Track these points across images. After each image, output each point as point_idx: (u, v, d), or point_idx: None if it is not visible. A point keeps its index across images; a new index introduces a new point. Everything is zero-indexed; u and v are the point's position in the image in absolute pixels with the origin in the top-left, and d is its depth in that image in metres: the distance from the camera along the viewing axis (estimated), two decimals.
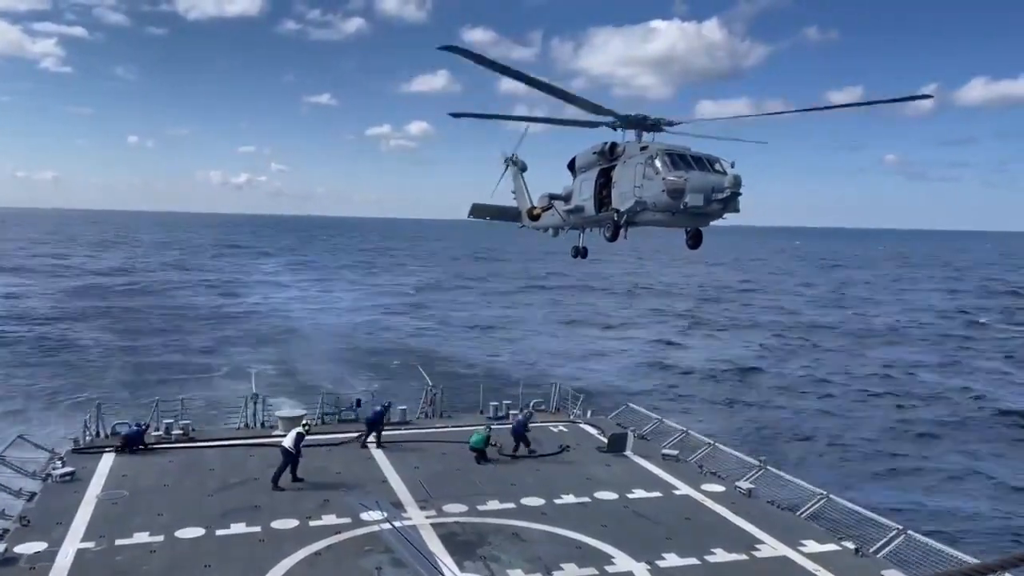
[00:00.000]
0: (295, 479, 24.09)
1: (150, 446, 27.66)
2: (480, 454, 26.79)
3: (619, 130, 21.63)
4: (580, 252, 25.70)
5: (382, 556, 18.90)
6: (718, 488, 24.56)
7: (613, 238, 21.76)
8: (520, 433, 27.81)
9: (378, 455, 27.36)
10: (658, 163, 19.39)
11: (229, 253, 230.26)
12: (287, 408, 34.12)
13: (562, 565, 18.63)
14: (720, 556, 19.45)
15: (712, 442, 27.98)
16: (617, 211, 20.92)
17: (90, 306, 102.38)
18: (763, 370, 73.18)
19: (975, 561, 18.26)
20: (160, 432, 28.92)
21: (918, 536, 19.95)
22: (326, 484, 24.11)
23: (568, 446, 28.63)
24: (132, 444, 27.14)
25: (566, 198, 24.21)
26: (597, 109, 20.65)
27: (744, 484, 24.52)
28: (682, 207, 18.91)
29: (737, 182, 18.53)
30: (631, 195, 20.14)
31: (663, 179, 19.07)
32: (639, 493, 24.00)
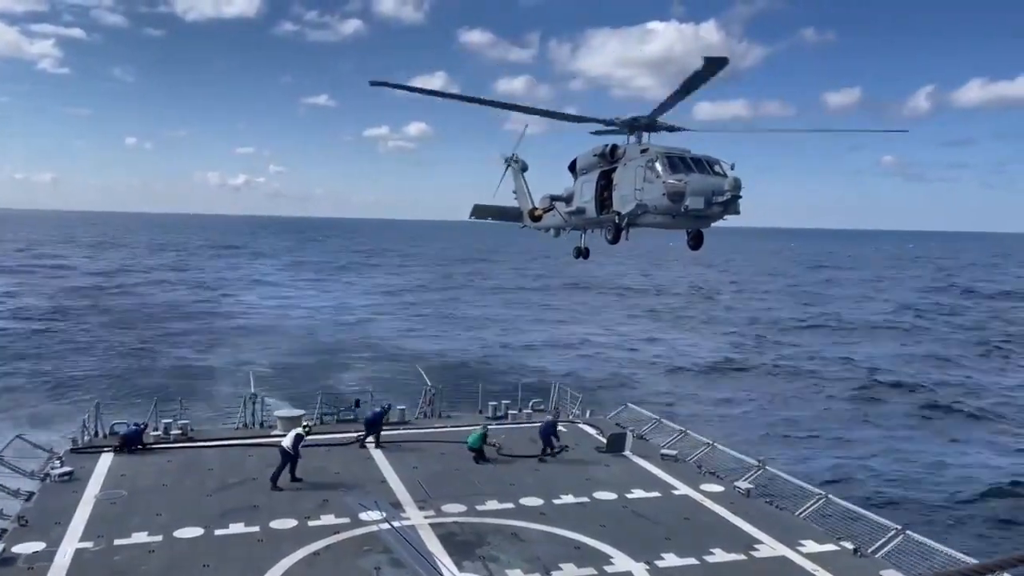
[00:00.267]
0: (294, 479, 24.07)
1: (148, 446, 27.64)
2: (478, 454, 26.79)
3: (617, 130, 21.67)
4: (582, 252, 25.78)
5: (381, 556, 18.87)
6: (717, 488, 24.56)
7: (615, 240, 21.83)
8: (548, 435, 27.87)
9: (377, 455, 27.34)
10: (658, 166, 19.41)
11: (227, 254, 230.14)
12: (286, 408, 34.09)
13: (561, 565, 18.62)
14: (719, 556, 19.44)
15: (711, 442, 27.98)
16: (618, 213, 20.97)
17: (88, 307, 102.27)
18: (735, 361, 76.30)
19: (974, 561, 18.26)
20: (159, 432, 28.89)
21: (917, 536, 19.93)
22: (325, 484, 24.09)
23: (567, 446, 28.61)
24: (130, 444, 27.12)
25: (567, 199, 24.26)
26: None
27: (743, 484, 24.52)
28: (683, 210, 18.95)
29: (737, 185, 18.57)
30: (632, 198, 20.18)
31: (663, 182, 19.09)
32: (638, 493, 23.99)
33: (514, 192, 28.59)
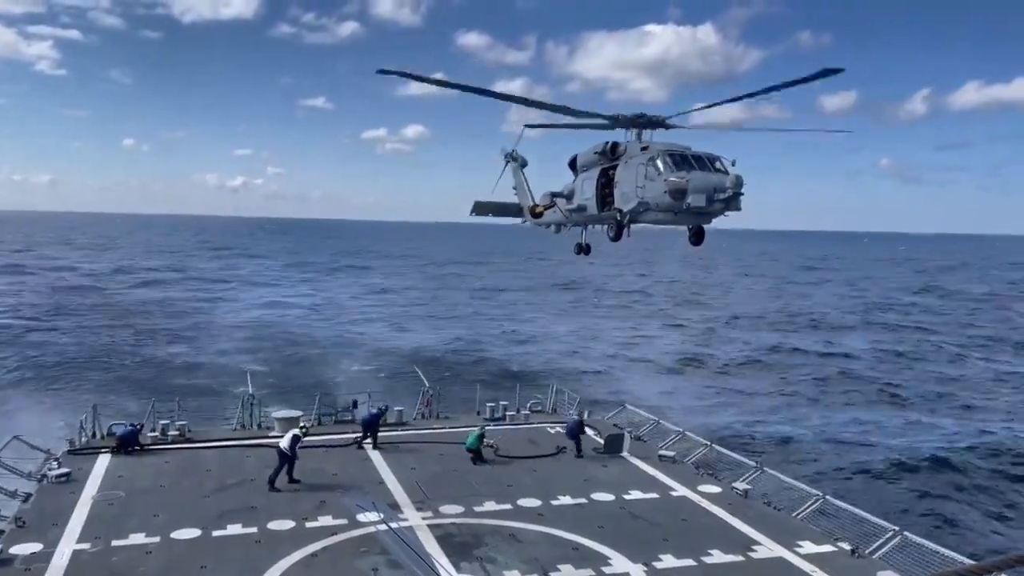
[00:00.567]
0: (291, 480, 24.06)
1: (146, 447, 27.61)
2: (476, 455, 26.80)
3: (616, 128, 21.72)
4: (583, 249, 25.84)
5: (378, 557, 18.88)
6: (715, 489, 24.58)
7: (616, 238, 21.88)
8: (576, 435, 27.92)
9: (375, 456, 27.33)
10: (660, 163, 19.46)
11: (225, 255, 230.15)
12: (283, 409, 34.09)
13: (559, 566, 18.63)
14: (717, 557, 19.46)
15: (709, 443, 28.02)
16: (620, 211, 21.03)
17: (84, 308, 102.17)
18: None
19: (971, 562, 18.30)
20: (156, 433, 28.86)
21: (914, 537, 19.99)
22: (322, 485, 24.08)
23: (565, 447, 28.63)
24: (127, 445, 27.08)
25: (568, 196, 24.28)
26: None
27: (741, 485, 24.54)
28: (684, 207, 18.99)
29: (739, 182, 18.63)
30: (633, 196, 20.24)
31: (665, 180, 19.14)
32: (636, 494, 24.00)
33: (514, 188, 28.66)
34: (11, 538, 19.53)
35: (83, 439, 28.23)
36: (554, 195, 25.18)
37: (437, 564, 18.48)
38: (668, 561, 19.12)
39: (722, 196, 18.65)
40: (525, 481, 24.96)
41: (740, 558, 19.56)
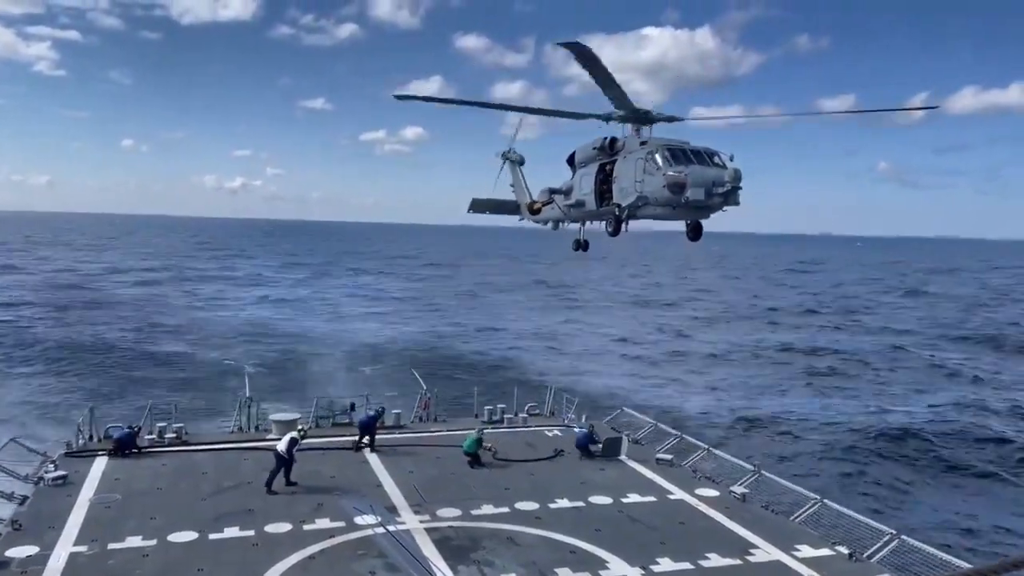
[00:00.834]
0: (289, 483, 24.00)
1: (143, 449, 27.54)
2: (474, 458, 26.76)
3: (611, 123, 21.73)
4: (581, 245, 25.83)
5: (376, 560, 18.85)
6: (712, 493, 24.56)
7: (615, 232, 21.93)
8: (585, 445, 27.96)
9: (372, 459, 27.28)
10: (658, 158, 19.48)
11: (222, 256, 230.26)
12: (281, 411, 34.02)
13: (556, 570, 18.61)
14: (714, 561, 19.44)
15: (707, 447, 28.00)
16: (619, 206, 21.05)
17: (80, 308, 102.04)
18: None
19: (968, 566, 18.28)
20: (153, 435, 28.79)
21: (912, 541, 19.99)
22: (320, 488, 24.02)
23: (562, 450, 28.60)
24: (124, 447, 27.01)
25: (566, 192, 24.28)
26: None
27: (738, 489, 24.53)
28: (683, 201, 19.02)
29: (737, 176, 18.67)
30: (632, 190, 20.25)
31: (664, 174, 19.17)
32: (633, 497, 23.96)
33: (511, 186, 28.67)
34: (7, 541, 19.47)
35: (80, 442, 28.13)
36: (552, 191, 25.16)
37: (434, 567, 18.45)
38: (666, 564, 19.10)
39: (721, 190, 18.69)
40: (523, 484, 24.92)
41: (738, 562, 19.54)
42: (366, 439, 28.30)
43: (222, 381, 58.95)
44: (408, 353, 74.72)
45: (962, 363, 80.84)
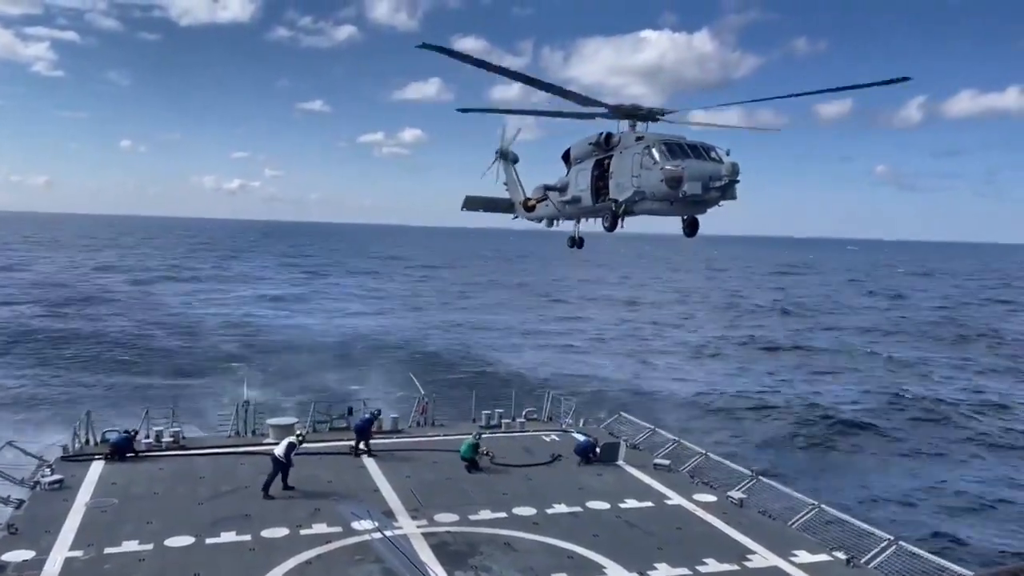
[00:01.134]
0: (286, 487, 23.97)
1: (140, 453, 27.49)
2: (471, 463, 26.72)
3: (613, 120, 21.77)
4: (576, 242, 25.77)
5: (373, 565, 18.83)
6: (710, 498, 24.54)
7: (611, 228, 21.88)
8: (586, 452, 28.00)
9: (369, 464, 27.25)
10: (655, 152, 19.44)
11: (218, 258, 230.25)
12: (278, 416, 33.96)
13: (553, 575, 18.59)
14: (712, 566, 19.43)
15: (704, 452, 27.96)
16: (615, 201, 21.01)
17: (80, 311, 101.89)
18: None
19: (967, 573, 18.30)
20: (150, 440, 28.75)
21: (909, 546, 19.99)
22: (317, 493, 23.99)
23: (560, 455, 28.57)
24: (121, 452, 26.95)
25: (561, 189, 24.21)
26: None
27: (736, 494, 24.51)
28: (680, 195, 18.92)
29: (735, 170, 18.57)
30: (629, 185, 20.19)
31: (661, 168, 19.12)
32: (631, 503, 23.95)
33: (505, 184, 28.62)
34: (3, 545, 19.44)
35: (77, 445, 28.11)
36: (547, 188, 25.07)
37: (432, 573, 18.44)
38: (663, 570, 19.09)
39: (718, 184, 18.58)
40: (520, 489, 24.89)
41: (735, 567, 19.52)
42: (363, 443, 28.26)
43: (220, 384, 58.85)
44: (406, 355, 74.70)
45: (898, 354, 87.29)
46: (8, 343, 77.36)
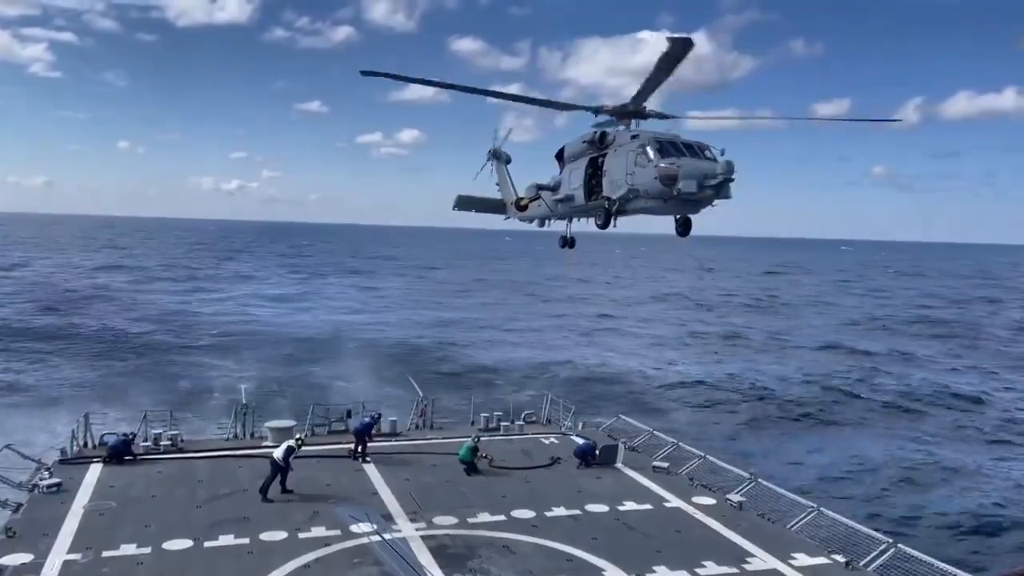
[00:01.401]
0: (284, 491, 23.94)
1: (138, 456, 27.46)
2: (470, 466, 26.70)
3: (599, 116, 21.73)
4: (568, 242, 25.71)
5: (372, 569, 18.80)
6: (709, 501, 24.53)
7: (604, 225, 21.83)
8: (585, 454, 28.02)
9: (368, 467, 27.21)
10: (650, 150, 19.39)
11: (216, 259, 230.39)
12: (277, 419, 33.90)
13: None
14: (711, 569, 19.41)
15: (703, 455, 27.93)
16: (608, 199, 20.94)
17: (77, 312, 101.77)
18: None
19: (966, 575, 18.31)
20: (148, 443, 28.72)
21: (908, 549, 19.98)
22: (315, 496, 23.97)
23: (559, 458, 28.55)
24: (119, 455, 26.91)
25: (554, 188, 24.16)
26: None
27: (735, 497, 24.50)
28: (675, 193, 18.84)
29: (730, 168, 18.51)
30: (623, 183, 20.13)
31: (655, 166, 19.05)
32: (630, 505, 23.94)
33: (497, 185, 28.60)
34: (1, 548, 19.41)
35: (74, 449, 28.10)
36: (540, 187, 24.96)
37: (430, 575, 18.41)
38: (662, 573, 19.08)
39: (712, 182, 18.51)
40: (519, 492, 24.87)
41: (734, 570, 19.51)
42: (361, 448, 28.19)
43: (219, 386, 58.83)
44: (405, 357, 74.64)
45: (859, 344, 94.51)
46: (8, 343, 77.24)
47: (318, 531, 21.11)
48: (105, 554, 19.32)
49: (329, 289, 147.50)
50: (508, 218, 27.99)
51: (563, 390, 47.61)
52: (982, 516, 39.36)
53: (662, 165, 18.90)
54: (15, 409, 53.04)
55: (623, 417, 34.17)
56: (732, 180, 18.66)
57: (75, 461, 26.91)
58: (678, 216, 20.46)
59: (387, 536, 20.53)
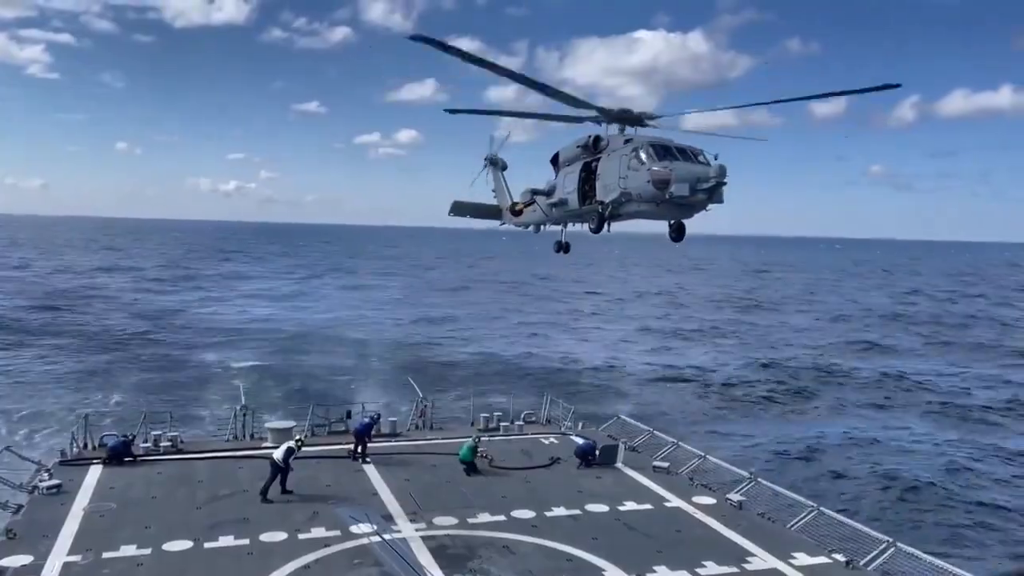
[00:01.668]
0: (284, 491, 23.93)
1: (139, 458, 27.44)
2: (470, 466, 26.70)
3: (603, 124, 21.79)
4: (563, 247, 25.72)
5: (372, 569, 18.79)
6: (709, 500, 24.54)
7: (598, 230, 21.90)
8: (585, 454, 28.02)
9: (368, 467, 27.20)
10: (643, 154, 19.46)
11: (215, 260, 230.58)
12: (276, 420, 33.92)
13: None
14: (711, 569, 19.41)
15: (703, 454, 27.95)
16: (602, 203, 21.00)
17: (76, 313, 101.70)
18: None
19: (966, 574, 18.33)
20: (148, 444, 28.70)
21: (908, 548, 20.01)
22: (315, 496, 23.95)
23: (559, 458, 28.55)
24: (119, 456, 26.89)
25: (548, 192, 24.19)
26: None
27: (735, 496, 24.51)
28: (667, 197, 18.88)
29: (722, 172, 18.59)
30: (616, 187, 20.18)
31: (649, 170, 19.12)
32: (630, 505, 23.94)
33: (493, 191, 28.64)
34: (2, 549, 19.38)
35: (74, 450, 28.07)
36: (534, 192, 25.00)
37: (430, 575, 18.41)
38: (662, 573, 19.08)
39: (705, 186, 18.57)
40: (519, 492, 24.87)
41: (734, 570, 19.51)
42: (361, 449, 28.18)
43: (218, 388, 58.82)
44: (405, 357, 74.66)
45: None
46: (8, 343, 77.15)
47: (318, 532, 21.10)
48: (105, 555, 19.30)
49: (325, 289, 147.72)
50: (504, 224, 27.97)
51: (563, 390, 47.62)
52: (982, 516, 39.37)
53: (655, 168, 18.96)
54: (15, 410, 53.00)
55: (623, 417, 34.18)
56: (725, 184, 18.75)
57: (75, 462, 26.88)
58: (672, 221, 20.52)
59: (387, 537, 20.56)
